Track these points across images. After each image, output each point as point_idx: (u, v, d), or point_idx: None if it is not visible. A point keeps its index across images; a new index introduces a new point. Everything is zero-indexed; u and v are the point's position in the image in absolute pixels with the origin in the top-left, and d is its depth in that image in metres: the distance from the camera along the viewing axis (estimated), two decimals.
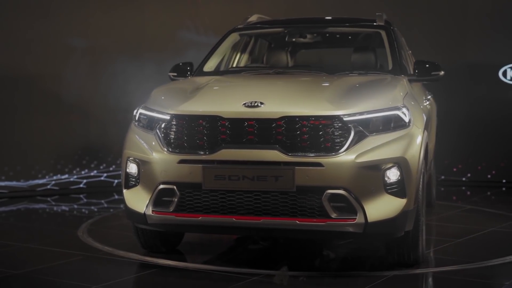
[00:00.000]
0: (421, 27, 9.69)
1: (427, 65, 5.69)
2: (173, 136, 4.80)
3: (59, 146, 8.88)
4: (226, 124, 4.67)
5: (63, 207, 7.90)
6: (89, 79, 9.01)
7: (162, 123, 4.86)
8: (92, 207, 7.87)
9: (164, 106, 4.96)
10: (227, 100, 4.91)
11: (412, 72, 5.79)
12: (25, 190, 8.61)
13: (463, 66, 9.55)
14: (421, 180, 4.84)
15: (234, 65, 6.71)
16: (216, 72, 6.01)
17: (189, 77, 5.83)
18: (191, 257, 5.53)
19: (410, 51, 7.49)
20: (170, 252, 5.44)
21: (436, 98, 8.53)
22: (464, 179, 9.55)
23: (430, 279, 4.88)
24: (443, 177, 9.51)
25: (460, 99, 9.53)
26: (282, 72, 5.75)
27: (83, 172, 8.96)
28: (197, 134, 4.74)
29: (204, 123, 4.72)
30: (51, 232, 6.45)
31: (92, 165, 8.98)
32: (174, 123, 4.82)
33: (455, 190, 9.18)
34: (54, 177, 8.81)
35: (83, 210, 7.86)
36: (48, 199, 8.42)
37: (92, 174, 8.96)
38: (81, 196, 8.66)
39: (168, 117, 4.85)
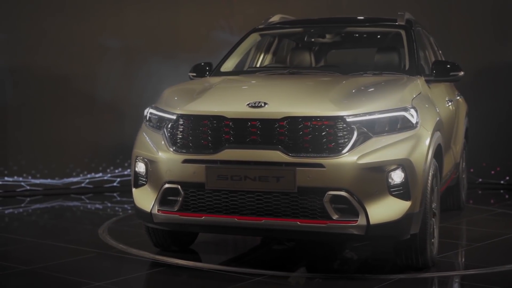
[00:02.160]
0: (461, 27, 9.49)
1: (448, 66, 5.60)
2: (179, 136, 4.83)
3: (93, 145, 9.04)
4: (230, 124, 4.68)
5: (96, 205, 8.03)
6: (123, 79, 9.16)
7: (169, 123, 4.91)
8: (125, 206, 7.97)
9: (171, 106, 5.01)
10: (231, 101, 4.93)
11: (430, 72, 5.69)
12: (59, 188, 8.79)
13: (502, 67, 9.31)
14: (429, 182, 4.74)
15: (258, 65, 6.73)
16: (232, 72, 6.00)
17: (205, 78, 5.86)
18: (208, 257, 5.55)
19: (440, 51, 7.36)
20: (183, 251, 5.47)
21: (474, 99, 8.37)
22: (502, 182, 9.31)
23: (435, 284, 4.76)
24: (480, 179, 9.30)
25: (499, 100, 9.31)
26: (296, 73, 5.72)
27: (116, 171, 9.10)
28: (201, 134, 4.76)
29: (208, 123, 4.74)
30: (75, 229, 6.60)
31: (126, 164, 9.10)
32: (180, 123, 4.85)
33: (493, 193, 8.95)
34: (88, 176, 8.97)
35: (116, 208, 8.00)
36: (82, 197, 8.57)
37: (125, 173, 9.08)
38: (115, 194, 8.83)
39: (174, 117, 4.89)
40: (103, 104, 9.00)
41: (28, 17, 8.60)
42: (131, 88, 9.13)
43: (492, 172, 9.34)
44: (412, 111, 4.71)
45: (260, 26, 6.44)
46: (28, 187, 8.61)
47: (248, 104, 4.70)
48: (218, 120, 4.71)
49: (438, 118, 5.18)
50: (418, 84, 5.25)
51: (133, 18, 9.14)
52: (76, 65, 8.81)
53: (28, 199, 8.32)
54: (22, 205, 7.96)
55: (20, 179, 8.61)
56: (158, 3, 9.26)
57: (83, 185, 8.88)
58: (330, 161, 4.47)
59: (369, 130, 4.56)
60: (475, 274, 4.92)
